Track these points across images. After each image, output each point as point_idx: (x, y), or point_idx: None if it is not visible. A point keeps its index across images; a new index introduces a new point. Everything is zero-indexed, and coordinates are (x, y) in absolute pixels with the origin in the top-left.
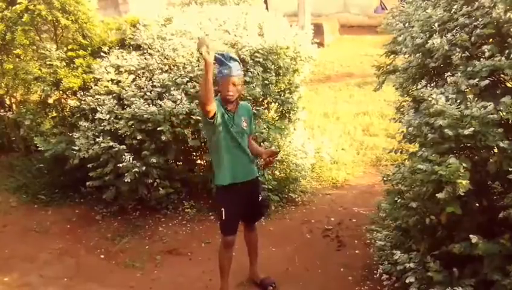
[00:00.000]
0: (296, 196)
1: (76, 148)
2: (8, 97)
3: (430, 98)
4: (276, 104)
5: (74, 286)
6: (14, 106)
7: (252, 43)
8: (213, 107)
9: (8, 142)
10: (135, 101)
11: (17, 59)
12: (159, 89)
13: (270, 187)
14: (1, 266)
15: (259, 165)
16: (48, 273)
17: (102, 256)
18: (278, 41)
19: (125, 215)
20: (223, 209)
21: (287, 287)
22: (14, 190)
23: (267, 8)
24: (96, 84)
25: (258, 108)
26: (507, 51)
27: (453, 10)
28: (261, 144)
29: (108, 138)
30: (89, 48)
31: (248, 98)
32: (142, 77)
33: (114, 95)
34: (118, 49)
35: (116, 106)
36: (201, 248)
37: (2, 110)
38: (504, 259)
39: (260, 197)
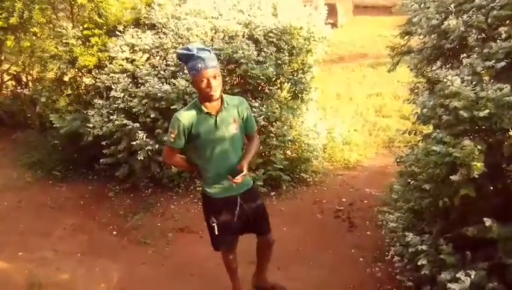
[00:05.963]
0: (308, 176)
1: (91, 125)
2: (25, 75)
3: (445, 80)
4: (289, 84)
5: (87, 262)
6: (30, 83)
7: (266, 23)
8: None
9: (24, 119)
10: (149, 80)
11: (34, 37)
12: (172, 68)
13: (282, 167)
14: (16, 241)
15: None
16: (62, 248)
17: (114, 233)
18: (292, 21)
19: (138, 192)
20: (214, 223)
21: (298, 267)
22: (29, 166)
23: None
24: (111, 63)
25: (270, 88)
26: None
27: None
28: (273, 123)
29: (122, 115)
30: (105, 27)
31: (261, 77)
32: (157, 55)
33: (128, 73)
34: (133, 28)
35: (131, 84)
36: None
37: (18, 88)
38: None
39: (259, 210)
